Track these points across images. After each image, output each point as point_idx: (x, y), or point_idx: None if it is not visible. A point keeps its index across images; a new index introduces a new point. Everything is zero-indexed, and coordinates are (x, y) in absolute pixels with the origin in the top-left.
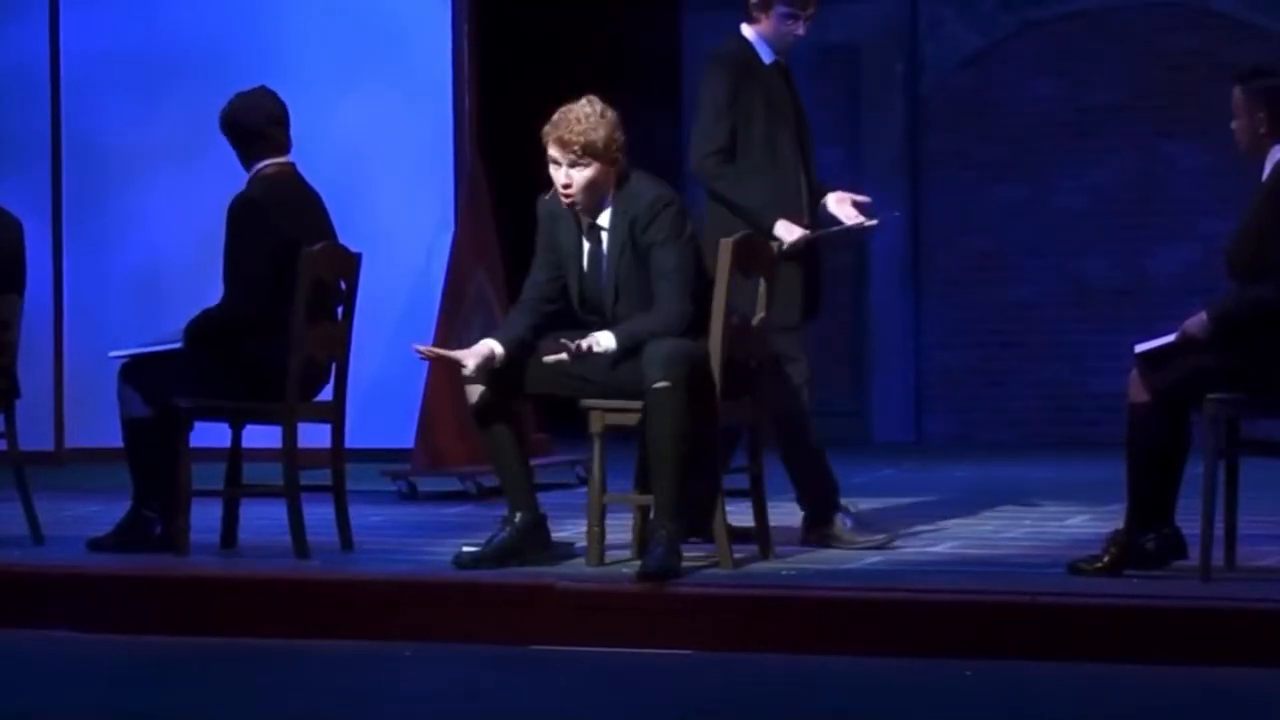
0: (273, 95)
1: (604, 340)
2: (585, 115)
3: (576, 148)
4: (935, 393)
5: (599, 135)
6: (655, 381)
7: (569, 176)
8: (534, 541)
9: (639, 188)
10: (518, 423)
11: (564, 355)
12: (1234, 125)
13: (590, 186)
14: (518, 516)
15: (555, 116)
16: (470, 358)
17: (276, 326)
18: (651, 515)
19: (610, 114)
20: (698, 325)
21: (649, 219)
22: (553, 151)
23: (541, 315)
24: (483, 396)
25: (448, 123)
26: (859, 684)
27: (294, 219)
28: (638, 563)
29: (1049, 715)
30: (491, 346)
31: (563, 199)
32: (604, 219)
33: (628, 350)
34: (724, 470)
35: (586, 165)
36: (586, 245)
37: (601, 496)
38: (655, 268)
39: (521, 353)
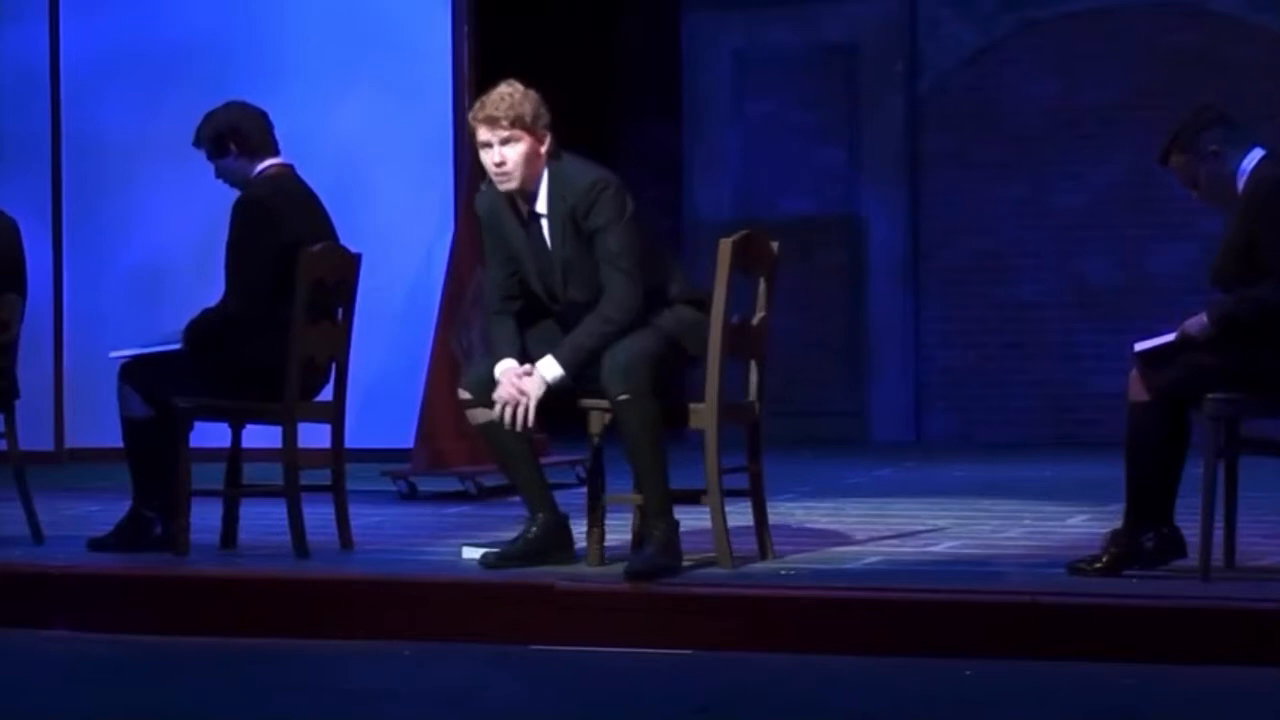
0: (244, 102)
1: (549, 371)
2: (508, 93)
3: (505, 122)
4: (935, 393)
5: (525, 109)
6: (617, 395)
7: (502, 155)
8: (558, 542)
9: (573, 172)
10: (521, 432)
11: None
12: (1195, 195)
13: (524, 162)
14: (540, 517)
15: (477, 102)
16: (533, 391)
17: (276, 326)
18: (644, 519)
19: (533, 93)
20: (652, 301)
21: (588, 205)
22: (482, 134)
23: (515, 316)
24: (484, 416)
25: (448, 123)
26: (859, 684)
27: (299, 219)
28: None
29: (1049, 715)
30: (512, 366)
31: (497, 180)
32: (541, 204)
33: (584, 362)
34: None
35: (518, 140)
36: (528, 234)
37: (601, 496)
38: (600, 253)
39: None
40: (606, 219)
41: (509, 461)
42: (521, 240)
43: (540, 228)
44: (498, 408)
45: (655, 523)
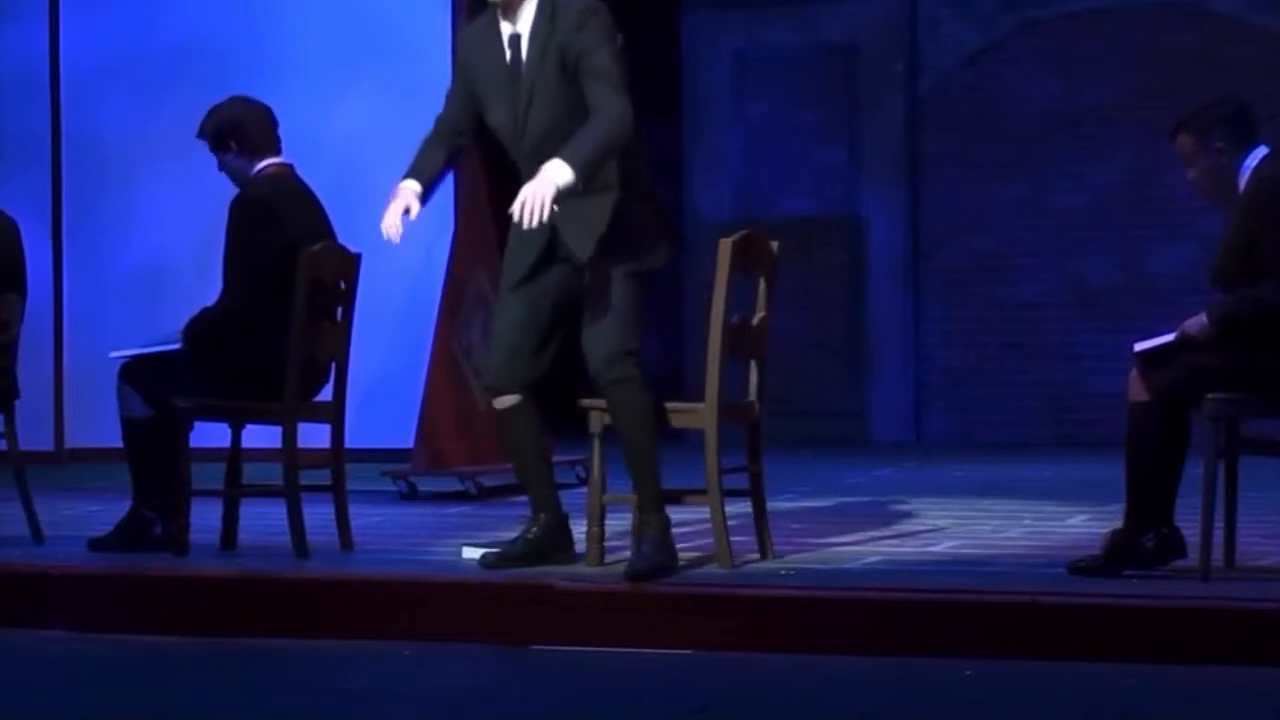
0: (249, 98)
1: (559, 175)
2: None
3: None
4: (935, 393)
5: None
6: (608, 380)
7: None
8: (558, 542)
9: None
10: (538, 424)
11: (531, 216)
12: (1190, 176)
13: None
14: (541, 517)
15: None
16: (412, 203)
17: (276, 326)
18: (639, 513)
19: None
20: (617, 170)
21: (578, 26)
22: None
23: (453, 147)
24: (507, 400)
25: None
26: (858, 684)
27: (298, 218)
28: None
29: (1049, 715)
30: (413, 189)
31: None
32: (523, 24)
33: (590, 166)
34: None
35: None
36: (509, 54)
37: (601, 496)
38: (589, 71)
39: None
40: (598, 40)
41: (520, 456)
42: (499, 61)
43: (519, 49)
44: (515, 206)
45: (648, 519)
